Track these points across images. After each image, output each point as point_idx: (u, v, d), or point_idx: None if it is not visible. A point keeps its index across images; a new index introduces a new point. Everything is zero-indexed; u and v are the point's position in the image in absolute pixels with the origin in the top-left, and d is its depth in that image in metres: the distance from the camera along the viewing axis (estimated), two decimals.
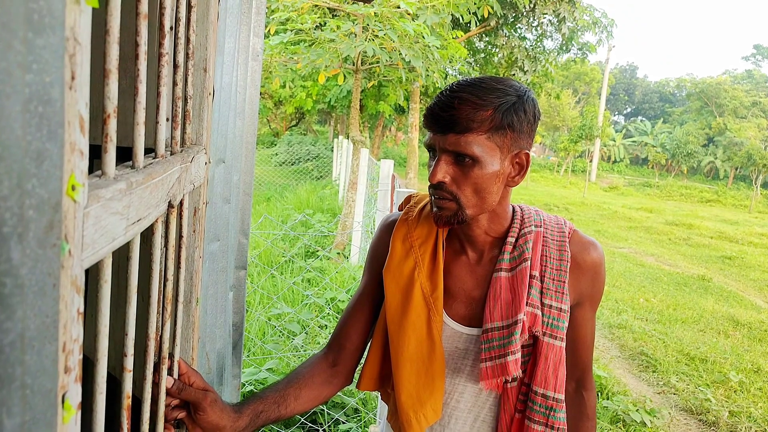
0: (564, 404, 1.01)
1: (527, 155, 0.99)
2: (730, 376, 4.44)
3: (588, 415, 1.12)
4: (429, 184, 1.00)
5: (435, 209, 1.00)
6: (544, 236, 1.06)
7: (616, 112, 66.32)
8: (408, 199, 1.19)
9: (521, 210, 1.10)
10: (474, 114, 0.92)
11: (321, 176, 16.72)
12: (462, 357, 1.06)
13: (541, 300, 1.01)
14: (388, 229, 1.16)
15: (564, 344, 1.01)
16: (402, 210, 1.17)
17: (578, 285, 1.05)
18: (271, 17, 6.25)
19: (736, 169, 38.82)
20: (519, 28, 11.73)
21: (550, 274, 1.03)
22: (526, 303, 1.00)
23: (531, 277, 1.01)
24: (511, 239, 1.05)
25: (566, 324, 1.02)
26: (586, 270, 1.05)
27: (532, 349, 1.02)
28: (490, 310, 1.01)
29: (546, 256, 1.04)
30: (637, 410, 3.60)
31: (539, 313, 1.00)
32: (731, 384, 4.35)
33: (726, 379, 4.43)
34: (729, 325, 6.14)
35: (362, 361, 1.17)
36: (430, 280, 1.06)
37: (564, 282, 1.02)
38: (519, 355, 0.97)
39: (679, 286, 7.95)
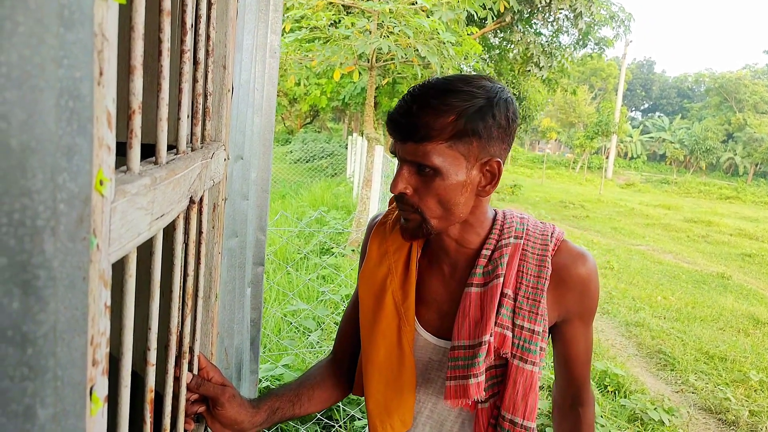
0: None
1: (499, 163, 0.90)
2: (750, 375, 4.38)
3: (584, 431, 1.06)
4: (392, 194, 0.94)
5: (401, 221, 0.95)
6: (523, 249, 0.98)
7: (633, 108, 65.55)
8: (392, 200, 1.14)
9: (503, 218, 1.02)
10: (434, 121, 0.84)
11: (335, 173, 16.75)
12: (434, 368, 1.02)
13: (512, 320, 0.94)
14: (370, 230, 1.11)
15: (537, 368, 0.94)
16: (389, 208, 1.12)
17: (563, 301, 0.97)
18: (286, 15, 6.27)
19: (756, 165, 38.19)
20: (534, 23, 11.63)
21: (525, 292, 0.95)
22: (495, 323, 0.93)
23: (503, 295, 0.94)
24: (486, 252, 0.98)
25: (542, 346, 0.95)
26: (572, 285, 0.96)
27: (505, 371, 0.96)
28: (458, 327, 0.95)
29: (523, 272, 0.96)
30: (655, 409, 3.57)
31: (509, 334, 0.93)
32: (751, 383, 4.28)
33: (746, 378, 4.36)
34: (749, 323, 6.04)
35: None
36: (402, 288, 1.01)
37: (539, 302, 0.94)
38: (482, 378, 0.92)
39: (698, 283, 7.85)
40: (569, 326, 1.00)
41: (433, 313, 1.02)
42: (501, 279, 0.95)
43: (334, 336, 3.82)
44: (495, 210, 1.04)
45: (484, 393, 0.93)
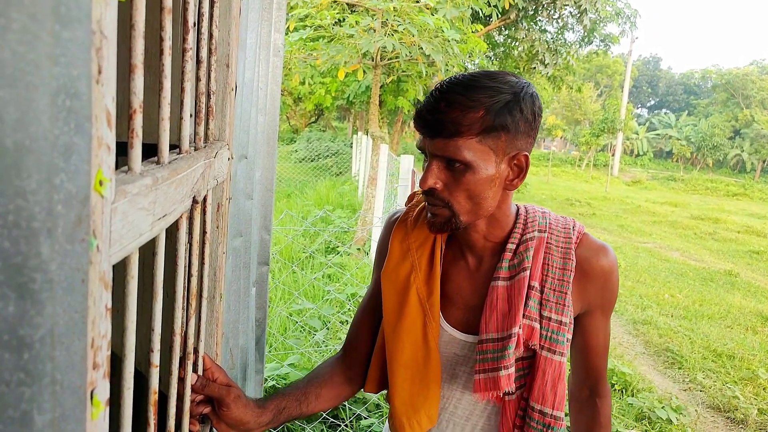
0: (563, 421, 0.97)
1: (526, 157, 0.92)
2: (759, 374, 4.34)
3: (601, 423, 1.07)
4: (421, 190, 0.95)
5: (429, 215, 0.95)
6: (547, 242, 1.00)
7: (639, 105, 65.22)
8: (411, 196, 1.14)
9: (526, 212, 1.04)
10: (463, 117, 0.86)
11: (340, 172, 16.76)
12: (460, 363, 1.03)
13: (540, 312, 0.96)
14: (389, 227, 1.12)
15: (565, 359, 0.96)
16: (408, 204, 1.13)
17: (586, 293, 0.99)
18: (290, 14, 6.27)
19: (764, 161, 37.95)
20: (539, 20, 11.58)
21: (551, 284, 0.97)
22: (523, 315, 0.95)
23: (530, 287, 0.96)
24: (511, 246, 0.99)
25: (568, 337, 0.97)
26: (594, 277, 0.99)
27: (532, 362, 0.98)
28: (486, 320, 0.97)
29: (548, 264, 0.98)
30: (662, 407, 3.54)
31: (537, 326, 0.95)
32: (760, 381, 4.25)
33: (755, 376, 4.33)
34: (757, 321, 6.00)
35: None
36: (427, 284, 1.02)
37: (566, 293, 0.96)
38: (512, 369, 0.93)
39: (705, 281, 7.80)
40: (590, 317, 1.02)
41: (457, 308, 1.03)
42: (528, 272, 0.96)
43: (340, 335, 3.84)
44: (517, 205, 1.05)
45: (513, 385, 0.94)
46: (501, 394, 0.96)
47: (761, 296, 7.21)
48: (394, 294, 1.04)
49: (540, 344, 0.95)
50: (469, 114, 0.86)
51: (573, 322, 0.98)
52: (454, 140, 0.87)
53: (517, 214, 1.03)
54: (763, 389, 4.15)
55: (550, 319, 0.96)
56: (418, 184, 0.93)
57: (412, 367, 1.01)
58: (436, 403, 1.02)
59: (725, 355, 4.78)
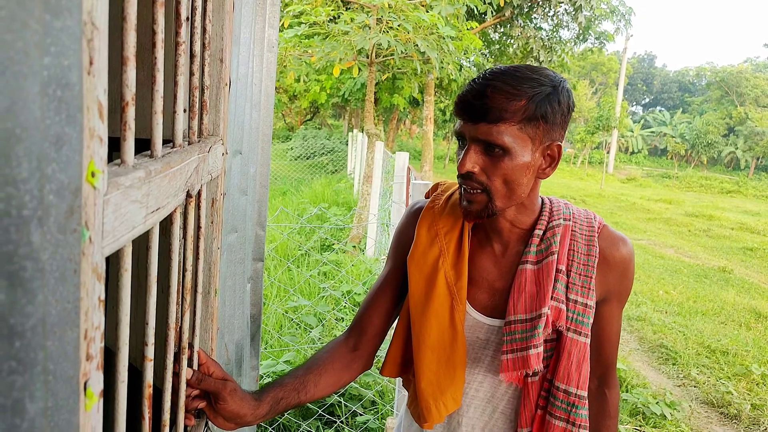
0: (586, 401, 1.00)
1: (559, 147, 0.97)
2: (752, 369, 4.37)
3: (610, 413, 1.10)
4: (458, 174, 0.97)
5: (464, 203, 0.98)
6: (572, 230, 1.04)
7: (634, 103, 65.37)
8: (435, 186, 1.18)
9: (550, 202, 1.08)
10: (507, 104, 0.90)
11: (336, 170, 16.74)
12: (482, 347, 1.06)
13: (566, 295, 1.00)
14: (414, 216, 1.15)
15: (588, 341, 1.00)
16: (428, 198, 1.16)
17: (606, 281, 1.03)
18: (285, 11, 6.25)
19: (758, 159, 38.10)
20: (534, 18, 11.59)
21: (577, 269, 1.01)
22: (551, 297, 0.98)
23: (557, 271, 1.00)
24: (538, 232, 1.03)
25: (591, 320, 1.00)
26: (614, 266, 1.03)
27: (556, 344, 1.01)
28: (514, 302, 1.00)
29: (573, 250, 1.02)
30: (656, 403, 3.57)
31: (564, 307, 0.98)
32: (753, 377, 4.28)
33: (748, 371, 4.36)
34: (751, 317, 6.04)
35: (384, 347, 1.17)
36: (455, 269, 1.05)
37: (591, 278, 1.00)
38: (541, 348, 0.97)
39: (699, 278, 7.84)
40: (607, 306, 1.06)
41: (483, 292, 1.06)
42: (555, 256, 1.00)
43: (335, 332, 3.84)
44: (541, 196, 1.09)
45: (542, 364, 0.97)
46: (525, 376, 1.00)
47: (755, 293, 7.25)
48: (422, 278, 1.06)
49: (566, 326, 0.99)
50: (514, 101, 0.90)
51: (595, 306, 1.02)
52: (497, 125, 0.90)
53: (543, 203, 1.07)
54: (757, 385, 4.18)
55: (576, 302, 1.00)
56: (457, 168, 0.96)
57: (438, 350, 1.04)
58: (461, 384, 1.05)
59: (719, 351, 4.80)
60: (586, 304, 1.00)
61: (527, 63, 11.47)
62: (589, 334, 1.00)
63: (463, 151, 0.96)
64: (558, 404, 0.99)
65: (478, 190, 0.95)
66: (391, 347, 1.14)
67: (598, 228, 1.05)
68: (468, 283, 1.06)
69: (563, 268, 1.00)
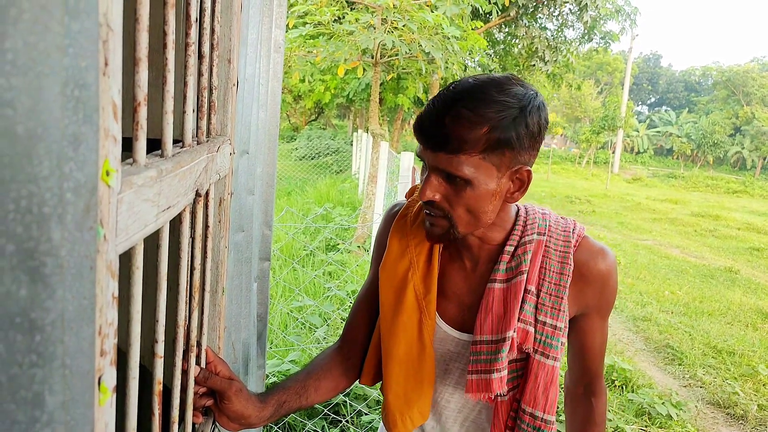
0: (554, 425, 0.97)
1: (528, 172, 0.91)
2: (759, 369, 4.35)
3: (596, 420, 1.08)
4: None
5: (427, 225, 0.95)
6: (546, 246, 0.99)
7: (640, 103, 65.12)
8: (412, 190, 1.13)
9: (526, 214, 1.03)
10: (468, 133, 0.83)
11: (341, 170, 16.75)
12: (453, 359, 1.04)
13: (535, 316, 0.96)
14: (389, 221, 1.12)
15: (558, 364, 0.96)
16: (408, 198, 1.12)
17: (583, 296, 0.99)
18: (290, 11, 6.27)
19: (764, 159, 37.90)
20: (539, 17, 11.56)
21: (548, 288, 0.97)
22: (518, 319, 0.95)
23: (526, 291, 0.96)
24: (509, 248, 0.99)
25: (562, 341, 0.97)
26: (592, 280, 0.98)
27: (525, 365, 0.98)
28: (481, 321, 0.97)
29: (545, 268, 0.98)
30: (662, 403, 3.55)
31: (531, 329, 0.95)
32: (760, 377, 4.26)
33: (755, 372, 4.34)
34: (757, 317, 6.01)
35: None
36: (424, 283, 1.02)
37: (562, 298, 0.96)
38: (505, 372, 0.94)
39: (706, 278, 7.81)
40: (587, 319, 1.02)
41: (453, 307, 1.03)
42: (524, 275, 0.96)
43: (340, 332, 3.83)
44: (517, 205, 1.04)
45: (506, 387, 0.94)
46: (493, 396, 0.96)
47: (761, 293, 7.21)
48: (391, 290, 1.04)
49: (534, 348, 0.95)
50: (474, 131, 0.83)
51: (568, 326, 0.98)
52: (456, 156, 0.84)
53: (517, 215, 1.02)
54: (763, 385, 4.16)
55: (544, 323, 0.96)
56: (418, 194, 0.92)
57: (406, 364, 1.02)
58: (428, 399, 1.03)
59: (725, 352, 4.78)
60: (555, 325, 0.95)
61: (533, 63, 11.47)
62: (559, 356, 0.96)
63: (425, 176, 0.91)
64: (524, 427, 0.97)
65: (440, 215, 0.92)
66: (368, 356, 1.12)
67: (576, 241, 1.00)
68: (439, 295, 1.03)
69: (533, 288, 0.96)
